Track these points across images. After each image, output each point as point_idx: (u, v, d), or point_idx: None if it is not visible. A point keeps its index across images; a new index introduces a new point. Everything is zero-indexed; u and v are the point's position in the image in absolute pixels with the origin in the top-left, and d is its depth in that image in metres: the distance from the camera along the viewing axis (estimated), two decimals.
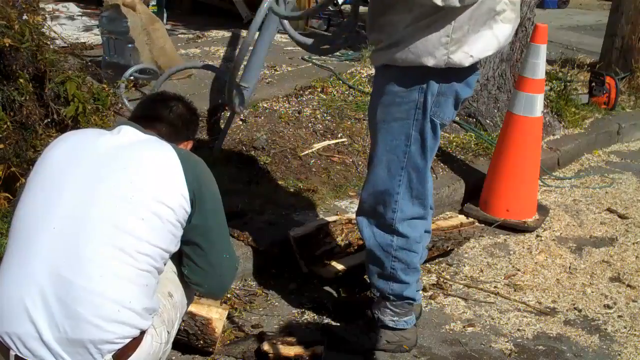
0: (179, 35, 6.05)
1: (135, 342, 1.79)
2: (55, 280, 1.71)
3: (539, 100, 3.70)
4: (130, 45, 4.34)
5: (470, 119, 4.61)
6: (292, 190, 3.61)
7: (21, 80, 2.84)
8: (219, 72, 4.34)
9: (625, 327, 2.93)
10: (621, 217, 3.96)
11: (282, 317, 2.84)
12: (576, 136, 4.95)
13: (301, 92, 4.65)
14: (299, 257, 3.02)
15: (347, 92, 4.76)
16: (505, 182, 3.75)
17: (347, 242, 3.16)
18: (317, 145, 4.05)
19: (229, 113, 4.05)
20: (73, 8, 6.57)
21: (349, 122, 4.34)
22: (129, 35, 4.29)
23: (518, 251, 3.53)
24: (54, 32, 3.09)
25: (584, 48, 7.30)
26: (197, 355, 2.54)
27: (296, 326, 2.78)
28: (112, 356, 1.75)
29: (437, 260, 3.34)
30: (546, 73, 4.10)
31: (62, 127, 2.96)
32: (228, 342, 2.61)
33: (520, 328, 2.89)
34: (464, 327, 2.87)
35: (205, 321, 2.43)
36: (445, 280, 3.19)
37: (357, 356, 2.63)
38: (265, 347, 2.48)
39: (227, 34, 6.11)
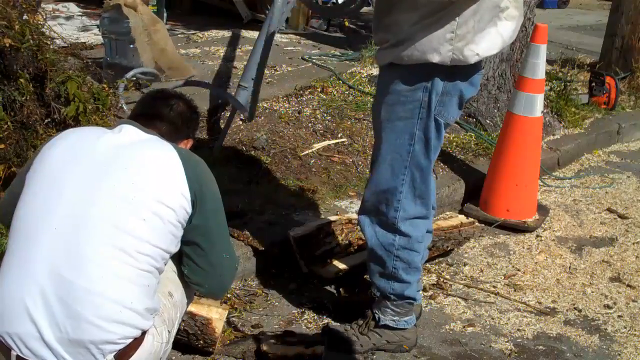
0: (179, 35, 6.05)
1: (137, 342, 1.79)
2: (56, 280, 1.70)
3: (539, 100, 3.70)
4: (132, 46, 4.34)
5: (470, 119, 4.61)
6: (292, 190, 3.61)
7: (22, 80, 2.84)
8: (220, 93, 4.34)
9: (625, 327, 2.93)
10: (621, 217, 3.96)
11: (282, 317, 2.84)
12: (576, 136, 4.95)
13: (301, 92, 4.65)
14: (299, 257, 3.02)
15: (347, 92, 4.76)
16: (505, 182, 3.75)
17: (347, 242, 3.16)
18: (317, 145, 4.05)
19: (229, 113, 4.05)
20: (73, 8, 6.57)
21: (349, 122, 4.34)
22: (130, 35, 4.29)
23: (518, 251, 3.53)
24: (54, 32, 3.09)
25: (584, 48, 7.30)
26: (197, 355, 2.54)
27: (296, 326, 2.78)
28: (114, 356, 1.75)
29: (437, 260, 3.34)
30: (546, 73, 4.11)
31: (63, 127, 2.96)
32: (228, 342, 2.60)
33: (520, 328, 2.89)
34: (464, 327, 2.87)
35: (205, 321, 2.43)
36: (445, 280, 3.19)
37: (357, 356, 2.63)
38: (265, 347, 2.48)
39: (227, 34, 6.11)
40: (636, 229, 3.83)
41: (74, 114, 2.96)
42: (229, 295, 2.86)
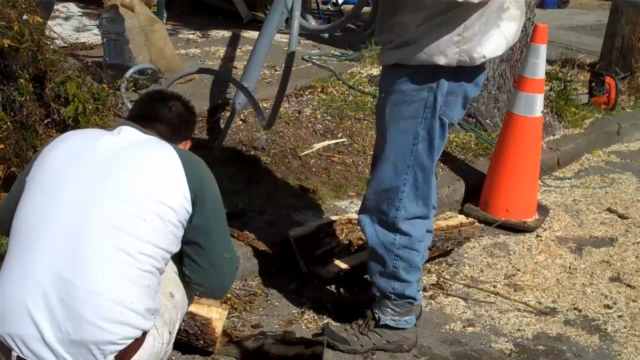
0: (179, 36, 6.05)
1: (138, 342, 1.80)
2: (57, 282, 1.71)
3: (539, 100, 3.70)
4: (129, 47, 4.34)
5: (470, 119, 4.61)
6: (292, 190, 3.61)
7: (21, 80, 2.84)
8: (216, 74, 4.33)
9: (625, 327, 2.93)
10: (621, 217, 3.96)
11: (282, 317, 2.84)
12: (576, 136, 4.95)
13: (301, 92, 4.65)
14: (299, 257, 3.02)
15: (347, 92, 4.76)
16: (505, 182, 3.75)
17: (347, 242, 3.16)
18: (317, 145, 4.05)
19: (229, 113, 4.05)
20: (73, 8, 6.55)
21: (349, 122, 4.34)
22: (125, 36, 4.29)
23: (518, 251, 3.53)
24: (54, 32, 3.09)
25: (584, 48, 7.29)
26: (197, 355, 2.54)
27: (296, 326, 2.78)
28: (115, 357, 1.75)
29: (437, 260, 3.34)
30: (546, 73, 4.10)
31: (63, 127, 2.96)
32: (228, 342, 2.61)
33: (520, 328, 2.89)
34: (464, 327, 2.87)
35: (205, 321, 2.43)
36: (445, 280, 3.19)
37: (357, 356, 2.63)
38: (265, 347, 2.48)
39: (227, 34, 6.11)
40: (636, 229, 3.83)
41: (74, 114, 2.96)
42: (229, 295, 2.86)
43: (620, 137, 5.25)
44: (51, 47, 3.08)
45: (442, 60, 2.28)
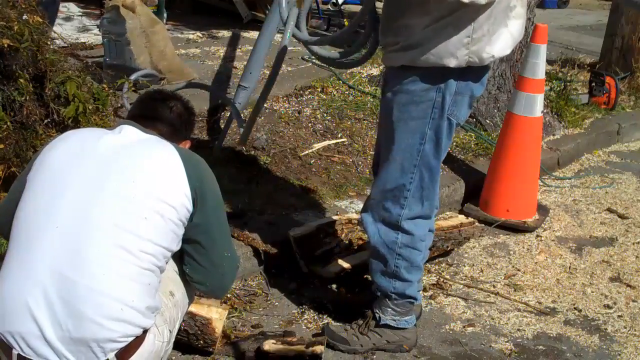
0: (179, 36, 6.05)
1: (138, 340, 1.80)
2: (58, 279, 1.71)
3: (539, 100, 3.70)
4: (130, 48, 4.34)
5: (470, 119, 4.60)
6: (292, 190, 3.61)
7: (21, 80, 2.84)
8: (220, 97, 4.33)
9: (625, 327, 2.93)
10: (621, 217, 3.96)
11: (282, 317, 2.84)
12: (576, 136, 4.95)
13: (301, 92, 4.65)
14: (299, 257, 3.02)
15: (347, 92, 4.76)
16: (505, 182, 3.75)
17: (347, 242, 3.16)
18: (317, 145, 4.05)
19: (229, 113, 4.05)
20: (73, 8, 6.56)
21: (349, 122, 4.34)
22: (126, 37, 4.29)
23: (518, 251, 3.53)
24: (54, 32, 3.09)
25: (584, 48, 7.29)
26: (197, 355, 2.54)
27: (296, 326, 2.78)
28: (115, 355, 1.75)
29: (437, 260, 3.34)
30: (546, 73, 4.11)
31: (62, 127, 2.95)
32: (228, 342, 2.61)
33: (520, 328, 2.89)
34: (464, 327, 2.87)
35: (205, 321, 2.43)
36: (445, 280, 3.19)
37: (357, 356, 2.63)
38: (265, 347, 2.48)
39: (227, 34, 6.11)
40: (636, 229, 3.83)
41: (74, 114, 2.95)
42: (229, 295, 2.86)
43: (620, 137, 5.26)
44: (51, 47, 3.08)
45: (452, 63, 2.28)
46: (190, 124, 2.18)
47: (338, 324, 2.77)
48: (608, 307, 3.08)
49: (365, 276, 3.03)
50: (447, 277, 3.23)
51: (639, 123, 5.44)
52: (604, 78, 5.42)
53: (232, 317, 2.77)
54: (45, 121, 2.96)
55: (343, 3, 7.38)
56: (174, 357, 2.51)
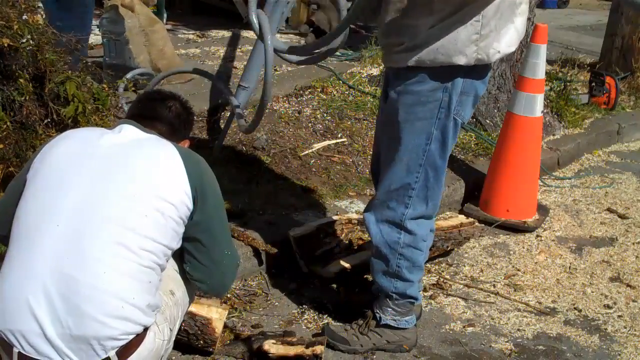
0: (179, 36, 6.05)
1: (139, 338, 1.80)
2: (59, 278, 1.71)
3: (539, 100, 3.70)
4: (129, 47, 4.34)
5: (470, 119, 4.60)
6: (292, 190, 3.61)
7: (21, 80, 2.83)
8: (210, 77, 4.31)
9: (625, 327, 2.93)
10: (621, 217, 3.96)
11: (282, 317, 2.84)
12: (576, 136, 4.95)
13: (301, 92, 4.65)
14: (299, 257, 3.02)
15: (347, 92, 4.76)
16: (505, 182, 3.75)
17: (347, 242, 3.16)
18: (317, 145, 4.05)
19: (229, 113, 4.05)
20: None
21: (349, 122, 4.34)
22: (125, 36, 4.29)
23: (518, 251, 3.53)
24: (54, 32, 3.08)
25: (584, 48, 7.29)
26: (197, 355, 2.54)
27: (296, 326, 2.78)
28: (116, 352, 1.75)
29: (437, 260, 3.34)
30: (546, 73, 4.10)
31: (62, 127, 2.95)
32: (228, 342, 2.60)
33: (520, 328, 2.89)
34: (464, 327, 2.87)
35: (205, 321, 2.43)
36: (445, 280, 3.19)
37: (357, 356, 2.63)
38: (265, 347, 2.48)
39: (227, 34, 6.11)
40: (636, 229, 3.82)
41: (73, 114, 2.95)
42: (229, 295, 2.86)
43: (620, 137, 5.26)
44: (51, 47, 3.07)
45: (461, 60, 2.27)
46: (188, 123, 2.18)
47: (338, 324, 2.77)
48: (608, 307, 3.08)
49: (365, 276, 3.04)
50: (447, 277, 3.23)
51: (639, 123, 5.44)
52: (604, 78, 5.42)
53: (232, 317, 2.77)
54: (45, 121, 2.96)
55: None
56: (174, 357, 2.51)
